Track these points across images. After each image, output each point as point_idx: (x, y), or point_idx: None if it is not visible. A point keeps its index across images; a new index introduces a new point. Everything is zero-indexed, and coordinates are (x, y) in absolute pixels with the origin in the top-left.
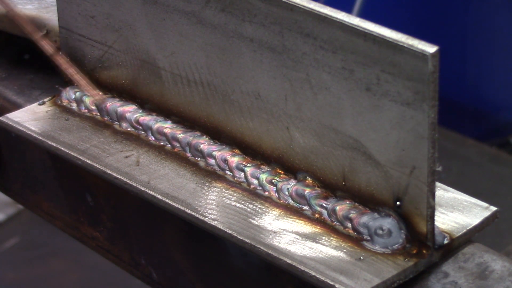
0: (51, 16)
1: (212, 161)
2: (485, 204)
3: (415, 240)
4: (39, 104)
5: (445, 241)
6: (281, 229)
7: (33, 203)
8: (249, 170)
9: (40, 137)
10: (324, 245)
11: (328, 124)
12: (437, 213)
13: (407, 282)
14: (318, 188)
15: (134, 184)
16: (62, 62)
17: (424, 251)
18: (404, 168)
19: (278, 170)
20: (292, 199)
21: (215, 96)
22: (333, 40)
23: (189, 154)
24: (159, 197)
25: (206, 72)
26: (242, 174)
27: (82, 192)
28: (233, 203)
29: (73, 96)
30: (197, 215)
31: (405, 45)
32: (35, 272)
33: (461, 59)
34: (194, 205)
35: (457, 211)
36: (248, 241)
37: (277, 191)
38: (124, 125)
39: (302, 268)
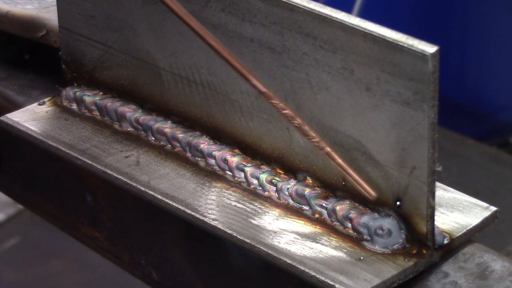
0: (51, 16)
1: (212, 161)
2: (485, 204)
3: (415, 240)
4: (39, 104)
5: (445, 241)
6: (281, 229)
7: (33, 203)
8: (249, 170)
9: (40, 137)
10: (324, 245)
11: (328, 124)
12: (437, 213)
13: (407, 282)
14: (318, 188)
15: (134, 184)
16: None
17: (424, 251)
18: (404, 168)
19: (278, 170)
20: (292, 199)
21: (215, 96)
22: (333, 40)
23: (189, 154)
24: (159, 197)
25: (206, 72)
26: (242, 174)
27: (82, 192)
28: (233, 203)
29: (73, 96)
30: (197, 215)
31: (405, 45)
32: (35, 272)
33: (461, 59)
34: (194, 205)
35: (457, 211)
36: (248, 241)
37: (277, 191)
38: (124, 125)
39: (302, 268)
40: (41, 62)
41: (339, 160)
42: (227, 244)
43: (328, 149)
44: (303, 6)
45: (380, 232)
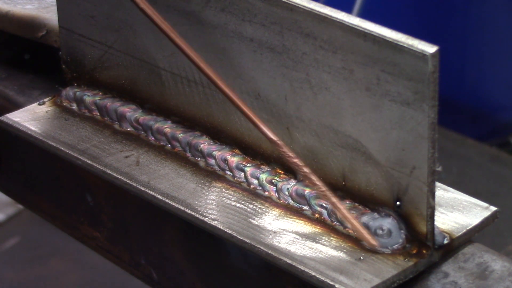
0: (51, 16)
1: (212, 161)
2: (485, 204)
3: (415, 240)
4: (39, 104)
5: (445, 241)
6: (281, 229)
7: (33, 203)
8: (249, 170)
9: (40, 137)
10: (324, 245)
11: (328, 124)
12: (437, 213)
13: (407, 282)
14: None
15: (134, 184)
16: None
17: (424, 251)
18: (404, 168)
19: (278, 170)
20: (292, 199)
21: (215, 96)
22: (333, 40)
23: (189, 154)
24: (159, 197)
25: None
26: (242, 174)
27: (82, 192)
28: (233, 203)
29: (73, 96)
30: (197, 215)
31: (405, 45)
32: (35, 272)
33: (461, 59)
34: (194, 205)
35: (457, 211)
36: (248, 241)
37: (277, 191)
38: (124, 125)
39: (302, 268)
40: (41, 62)
41: (344, 211)
42: (227, 244)
43: (334, 199)
44: (303, 6)
45: (380, 232)
